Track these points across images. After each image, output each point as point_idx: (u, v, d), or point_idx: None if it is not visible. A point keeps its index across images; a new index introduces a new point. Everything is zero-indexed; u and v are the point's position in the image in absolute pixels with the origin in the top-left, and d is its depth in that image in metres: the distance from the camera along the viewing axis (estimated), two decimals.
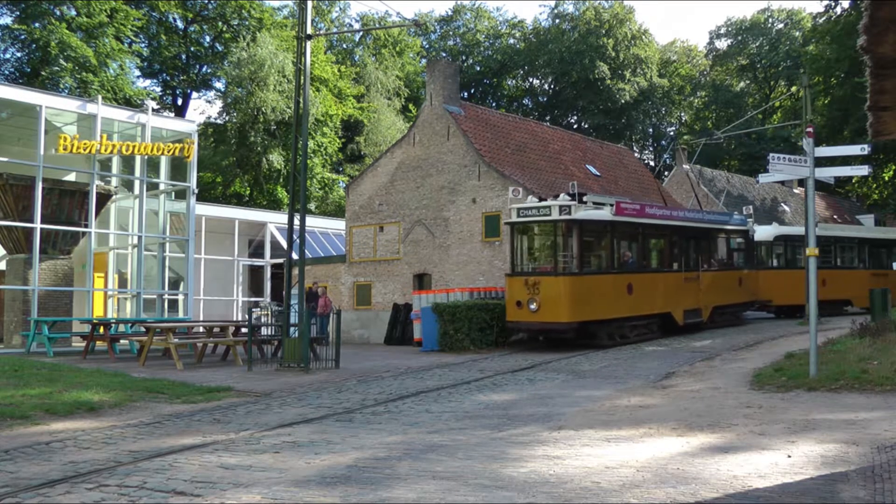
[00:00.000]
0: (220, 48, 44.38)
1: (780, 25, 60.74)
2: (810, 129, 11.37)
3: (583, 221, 16.73)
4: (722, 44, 63.84)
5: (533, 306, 16.43)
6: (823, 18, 33.39)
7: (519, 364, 14.42)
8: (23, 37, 34.96)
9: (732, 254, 23.15)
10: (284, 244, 21.82)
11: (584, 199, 17.19)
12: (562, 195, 17.37)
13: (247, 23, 42.32)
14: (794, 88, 48.25)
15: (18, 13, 34.78)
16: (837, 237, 26.76)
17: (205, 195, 34.76)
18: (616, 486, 5.40)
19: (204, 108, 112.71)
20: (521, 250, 17.79)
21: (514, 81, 64.44)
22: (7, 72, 36.61)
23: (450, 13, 63.68)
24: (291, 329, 15.37)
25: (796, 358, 12.09)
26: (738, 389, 10.14)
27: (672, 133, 62.79)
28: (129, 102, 33.13)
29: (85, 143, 18.94)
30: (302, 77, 15.64)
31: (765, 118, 55.39)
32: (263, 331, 17.40)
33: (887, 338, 13.01)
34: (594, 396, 10.00)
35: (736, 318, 22.47)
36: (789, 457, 6.16)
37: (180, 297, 22.36)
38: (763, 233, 24.67)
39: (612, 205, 17.61)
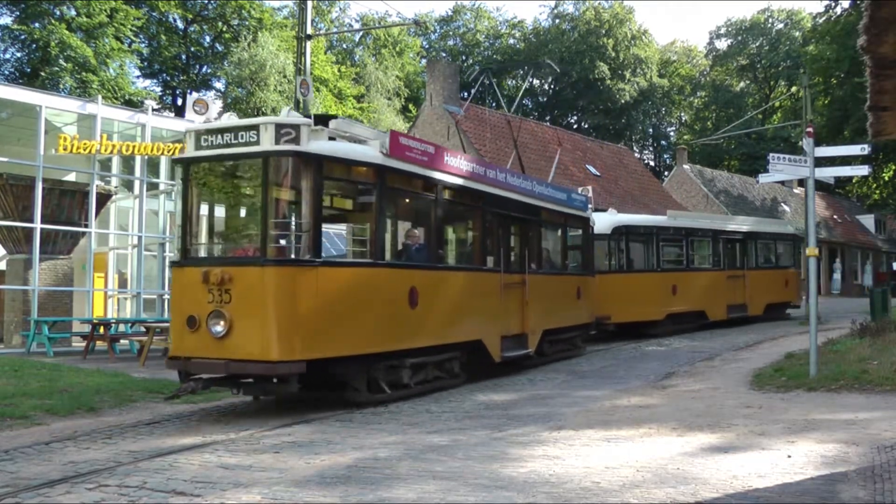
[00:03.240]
0: (220, 48, 44.42)
1: (780, 25, 60.84)
2: (810, 129, 11.37)
3: (325, 160, 8.80)
4: (722, 44, 63.98)
5: (218, 328, 8.32)
6: (823, 18, 33.36)
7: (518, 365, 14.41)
8: (23, 37, 34.99)
9: (568, 251, 15.61)
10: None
11: (333, 124, 9.39)
12: (286, 109, 10.10)
13: (247, 23, 42.35)
14: (794, 88, 48.30)
15: (18, 13, 34.82)
16: (690, 229, 20.98)
17: None
18: (616, 486, 5.41)
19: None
20: (199, 216, 9.55)
21: (514, 81, 64.49)
22: (7, 72, 36.66)
23: (450, 13, 63.79)
24: None
25: (796, 358, 12.10)
26: (738, 389, 10.14)
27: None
28: (129, 102, 33.13)
29: (85, 143, 18.92)
30: (302, 77, 15.65)
31: (765, 118, 55.43)
32: None
33: (887, 338, 13.02)
34: (594, 396, 10.00)
35: (573, 348, 15.34)
36: (789, 457, 6.16)
37: None
38: (600, 223, 17.75)
39: (383, 144, 9.67)
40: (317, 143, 8.81)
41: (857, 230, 50.76)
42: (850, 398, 9.03)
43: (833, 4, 31.63)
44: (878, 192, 41.16)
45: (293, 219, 9.01)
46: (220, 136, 8.93)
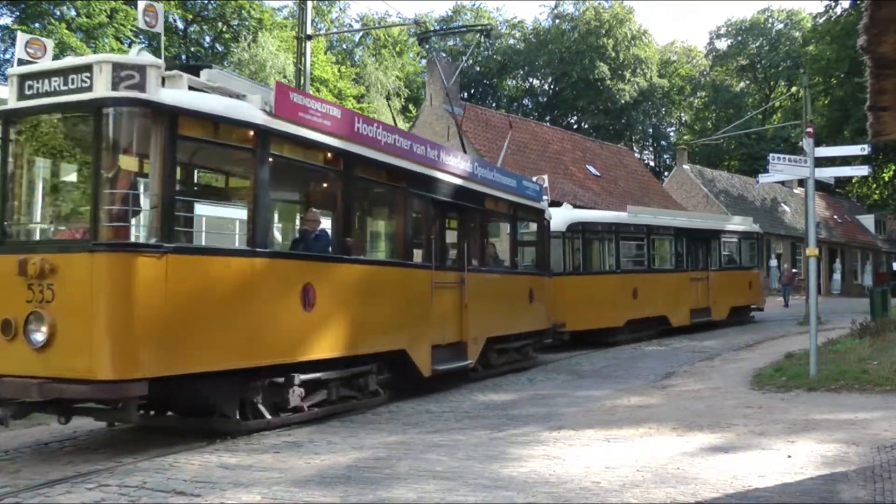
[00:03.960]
0: (220, 49, 44.41)
1: (780, 26, 60.92)
2: (810, 129, 11.38)
3: (181, 114, 6.86)
4: (722, 44, 64.06)
5: (38, 335, 6.39)
6: (823, 19, 33.42)
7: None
8: None
9: (518, 246, 14.10)
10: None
11: (204, 74, 7.56)
12: (136, 49, 7.98)
13: (247, 23, 42.37)
14: (794, 88, 48.33)
15: (18, 13, 34.84)
16: (651, 227, 19.10)
17: None
18: (616, 486, 5.41)
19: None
20: (21, 187, 7.27)
21: (514, 82, 64.51)
22: (7, 72, 36.67)
23: (450, 13, 63.83)
24: None
25: (796, 358, 12.10)
26: (738, 389, 10.14)
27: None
28: None
29: None
30: (302, 77, 15.66)
31: (765, 118, 55.45)
32: None
33: (887, 338, 13.02)
34: (594, 396, 10.00)
35: (525, 359, 13.43)
36: (789, 457, 6.16)
37: None
38: (554, 220, 15.59)
39: (266, 100, 7.68)
40: (171, 93, 6.77)
41: (857, 230, 50.76)
42: (850, 398, 9.03)
43: (833, 4, 31.68)
44: (878, 192, 41.21)
45: (142, 189, 7.06)
46: (47, 81, 6.80)
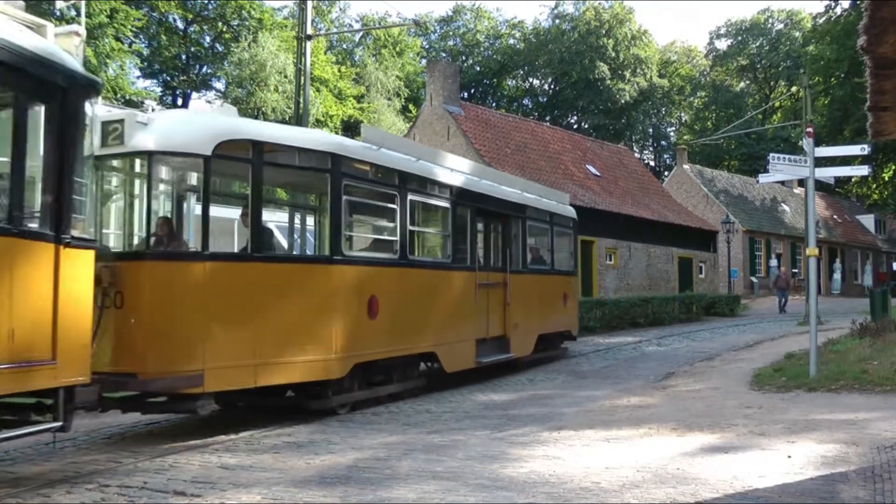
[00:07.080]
0: (220, 48, 44.43)
1: (780, 26, 61.01)
2: (810, 129, 11.37)
3: None
4: (722, 44, 64.17)
5: None
6: (823, 19, 33.47)
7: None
8: None
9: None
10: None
11: None
12: None
13: (247, 23, 42.39)
14: (794, 88, 48.36)
15: None
16: (410, 176, 9.73)
17: None
18: (616, 486, 5.41)
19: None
20: None
21: (514, 82, 64.58)
22: None
23: (450, 14, 63.87)
24: None
25: (796, 358, 12.11)
26: (738, 389, 10.14)
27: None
28: (129, 103, 33.13)
29: None
30: (302, 77, 15.67)
31: (765, 118, 55.50)
32: None
33: (887, 338, 13.03)
34: (594, 396, 10.00)
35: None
36: (789, 457, 6.16)
37: None
38: (185, 130, 7.51)
39: None
40: None
41: (857, 230, 50.78)
42: (850, 398, 9.03)
43: (833, 5, 31.74)
44: (877, 192, 41.26)
45: None
46: None
